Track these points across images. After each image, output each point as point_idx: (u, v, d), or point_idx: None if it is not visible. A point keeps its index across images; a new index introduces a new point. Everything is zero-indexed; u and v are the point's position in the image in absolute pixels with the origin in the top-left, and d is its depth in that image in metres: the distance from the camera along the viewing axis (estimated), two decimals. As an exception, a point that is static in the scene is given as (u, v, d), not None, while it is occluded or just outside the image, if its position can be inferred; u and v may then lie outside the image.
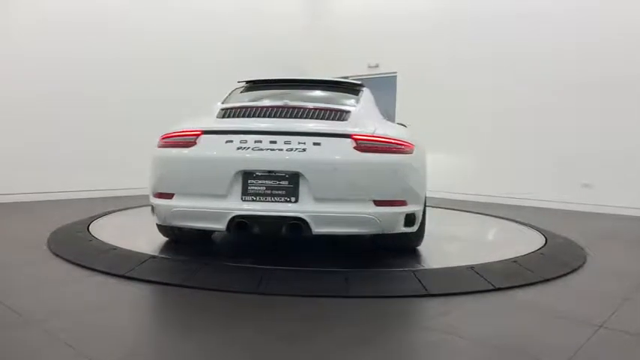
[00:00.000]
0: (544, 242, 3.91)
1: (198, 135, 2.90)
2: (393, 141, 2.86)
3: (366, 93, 3.71)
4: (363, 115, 3.18)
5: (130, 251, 3.22)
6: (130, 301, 2.43)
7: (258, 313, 2.28)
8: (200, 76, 7.36)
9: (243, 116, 3.07)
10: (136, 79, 6.87)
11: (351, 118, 3.04)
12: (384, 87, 8.74)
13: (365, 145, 2.76)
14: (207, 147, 2.87)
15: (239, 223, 2.76)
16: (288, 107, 3.05)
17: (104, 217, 4.64)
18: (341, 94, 3.69)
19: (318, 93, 3.74)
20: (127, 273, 2.78)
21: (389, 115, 4.52)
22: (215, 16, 7.95)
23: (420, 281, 2.68)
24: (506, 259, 3.21)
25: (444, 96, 8.07)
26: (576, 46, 6.88)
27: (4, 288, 2.57)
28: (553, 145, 7.10)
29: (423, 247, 4.01)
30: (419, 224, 3.12)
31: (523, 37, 7.33)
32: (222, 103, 3.50)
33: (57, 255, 3.23)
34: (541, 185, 7.20)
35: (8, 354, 1.78)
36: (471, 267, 2.95)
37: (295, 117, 3.00)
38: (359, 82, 4.00)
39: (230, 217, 2.75)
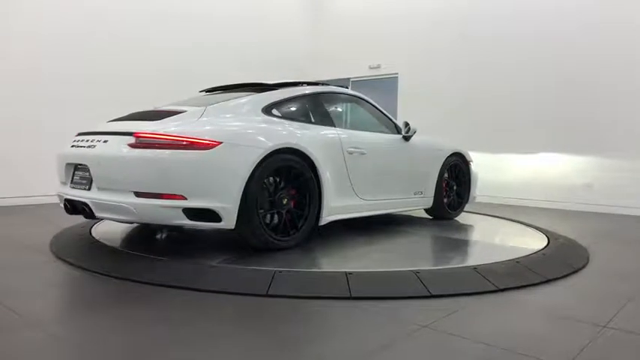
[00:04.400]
0: (546, 242, 3.89)
1: (75, 136, 3.54)
2: (175, 138, 2.95)
3: (269, 93, 3.69)
4: (196, 114, 3.28)
5: (133, 254, 3.22)
6: (133, 304, 2.42)
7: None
8: (201, 83, 7.33)
9: (125, 120, 3.47)
10: (136, 84, 6.86)
11: (172, 117, 3.23)
12: (385, 88, 8.75)
13: (144, 142, 2.97)
14: (66, 145, 3.49)
15: (65, 205, 3.33)
16: (157, 111, 3.43)
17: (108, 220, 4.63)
18: (245, 94, 3.74)
19: (221, 96, 3.88)
20: (129, 275, 2.77)
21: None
22: (215, 21, 7.94)
23: (422, 282, 2.67)
24: (508, 260, 3.19)
25: (445, 96, 8.06)
26: (579, 43, 6.87)
27: (5, 289, 2.56)
28: (554, 144, 7.09)
29: (424, 248, 4.01)
30: (238, 221, 3.03)
31: (524, 36, 7.32)
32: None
33: (59, 257, 3.23)
34: (541, 185, 7.18)
35: (8, 355, 1.77)
36: (474, 268, 2.94)
37: (146, 119, 3.26)
38: (285, 82, 3.97)
39: (63, 199, 3.35)
